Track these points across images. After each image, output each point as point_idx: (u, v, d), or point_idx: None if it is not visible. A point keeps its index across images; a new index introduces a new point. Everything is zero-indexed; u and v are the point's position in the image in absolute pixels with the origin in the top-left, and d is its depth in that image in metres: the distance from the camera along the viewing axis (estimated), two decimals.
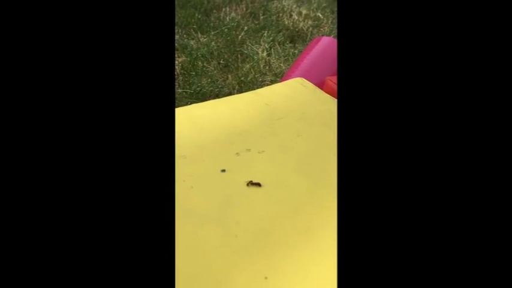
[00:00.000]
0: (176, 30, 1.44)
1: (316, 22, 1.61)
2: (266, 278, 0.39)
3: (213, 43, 1.40)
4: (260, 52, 1.38)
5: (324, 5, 1.72)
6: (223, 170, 0.52)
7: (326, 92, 0.75)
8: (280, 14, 1.63)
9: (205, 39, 1.43)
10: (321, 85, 0.79)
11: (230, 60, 1.35)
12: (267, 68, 1.34)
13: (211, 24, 1.51)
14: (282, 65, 1.35)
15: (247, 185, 0.50)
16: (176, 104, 1.15)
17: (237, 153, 0.56)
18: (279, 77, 1.28)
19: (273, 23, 1.56)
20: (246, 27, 1.51)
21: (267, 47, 1.41)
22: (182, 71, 1.28)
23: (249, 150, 0.57)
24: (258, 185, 0.50)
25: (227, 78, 1.28)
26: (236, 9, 1.64)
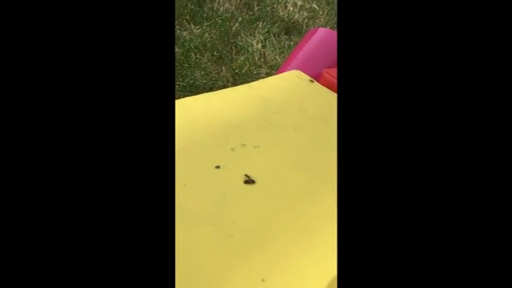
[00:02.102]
0: None
1: (311, 13, 1.58)
2: (263, 280, 0.37)
3: (206, 34, 1.37)
4: (255, 44, 1.36)
5: None
6: (218, 167, 0.50)
7: (323, 85, 0.73)
8: (275, 5, 1.60)
9: (198, 31, 1.39)
10: (317, 78, 0.77)
11: (224, 52, 1.32)
12: (262, 60, 1.31)
13: (205, 15, 1.48)
14: (277, 57, 1.32)
15: (245, 181, 0.48)
16: None
17: (232, 149, 0.54)
18: (274, 69, 1.26)
19: (268, 14, 1.53)
20: (240, 19, 1.48)
21: (262, 38, 1.39)
22: (175, 63, 1.25)
23: (244, 145, 0.54)
24: (252, 181, 0.48)
25: (221, 70, 1.25)
26: (230, 0, 1.60)
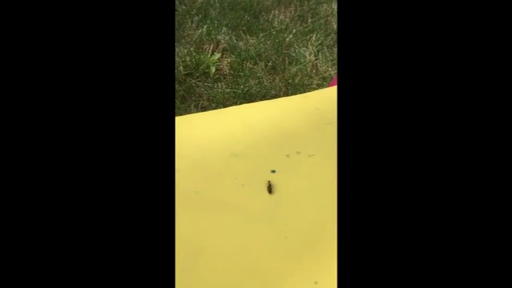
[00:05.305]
0: (226, 31, 1.47)
1: None
2: (316, 282, 0.39)
3: (261, 45, 1.42)
4: (308, 55, 1.38)
5: None
6: (273, 171, 0.53)
7: None
8: (329, 18, 1.61)
9: (253, 41, 1.44)
10: None
11: (277, 62, 1.35)
12: (314, 71, 1.33)
13: (260, 26, 1.53)
14: (329, 69, 1.33)
15: (267, 188, 0.49)
16: (223, 103, 1.17)
17: (287, 155, 0.56)
18: (326, 80, 1.27)
19: (322, 26, 1.55)
20: (294, 30, 1.51)
21: (315, 50, 1.41)
22: (231, 71, 1.30)
23: (298, 153, 0.56)
24: (269, 190, 0.49)
25: (274, 80, 1.28)
26: (285, 12, 1.64)
